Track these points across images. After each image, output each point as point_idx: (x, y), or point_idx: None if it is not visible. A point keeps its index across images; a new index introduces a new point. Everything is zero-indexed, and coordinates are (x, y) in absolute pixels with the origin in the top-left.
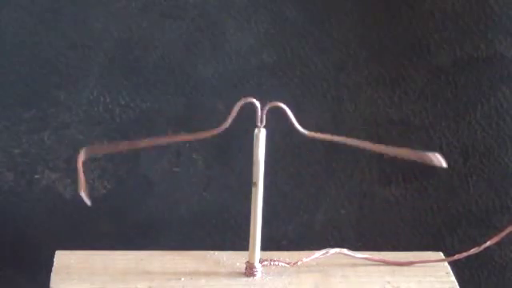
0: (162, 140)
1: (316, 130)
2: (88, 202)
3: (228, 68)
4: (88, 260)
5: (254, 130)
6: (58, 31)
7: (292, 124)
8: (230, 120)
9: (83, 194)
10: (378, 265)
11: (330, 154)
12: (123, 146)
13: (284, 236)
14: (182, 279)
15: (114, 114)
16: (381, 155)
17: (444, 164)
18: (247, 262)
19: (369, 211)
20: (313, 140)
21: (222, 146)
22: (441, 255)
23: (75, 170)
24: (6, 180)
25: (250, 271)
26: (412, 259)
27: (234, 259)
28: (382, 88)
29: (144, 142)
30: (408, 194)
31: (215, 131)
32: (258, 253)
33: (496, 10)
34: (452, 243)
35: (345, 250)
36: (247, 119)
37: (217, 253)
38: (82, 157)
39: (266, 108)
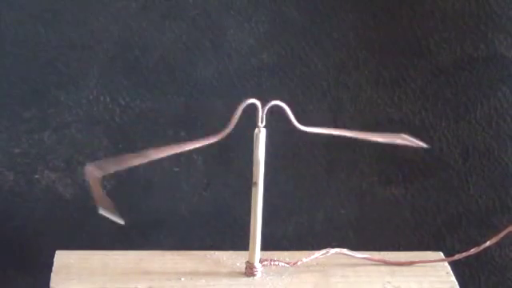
0: (169, 150)
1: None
2: (118, 219)
3: (228, 68)
4: (88, 260)
5: (254, 130)
6: (57, 31)
7: (290, 121)
8: (233, 123)
9: (106, 212)
10: (378, 265)
11: (330, 154)
12: (130, 159)
13: (284, 236)
14: (182, 279)
15: (114, 114)
16: (381, 155)
17: (419, 143)
18: (247, 261)
19: (369, 211)
20: (313, 140)
21: (221, 145)
22: (441, 255)
23: (75, 170)
24: (6, 180)
25: (250, 271)
26: (412, 259)
27: (234, 259)
28: (382, 88)
29: (151, 154)
30: (408, 194)
31: (219, 136)
32: (258, 253)
33: (496, 10)
34: (452, 243)
35: (345, 250)
36: (247, 119)
37: (217, 253)
38: (91, 173)
39: (266, 108)
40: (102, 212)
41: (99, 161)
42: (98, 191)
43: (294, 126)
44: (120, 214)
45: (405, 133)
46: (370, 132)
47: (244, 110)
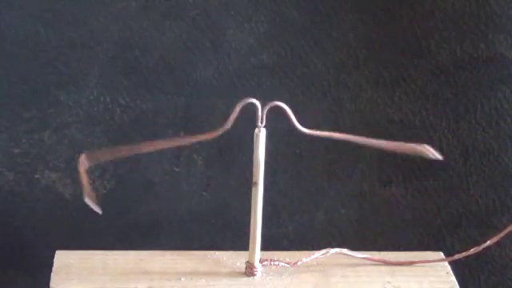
0: (164, 144)
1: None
2: (97, 209)
3: (228, 68)
4: (88, 260)
5: (253, 130)
6: (57, 31)
7: (292, 123)
8: (231, 122)
9: (89, 201)
10: (378, 265)
11: (330, 154)
12: (124, 150)
13: (284, 236)
14: (182, 279)
15: (114, 114)
16: (381, 155)
17: (438, 156)
18: (247, 261)
19: (369, 211)
20: (313, 140)
21: (221, 146)
22: (441, 255)
23: (75, 170)
24: (5, 180)
25: (250, 271)
26: (412, 259)
27: (234, 259)
28: (382, 88)
29: (145, 146)
30: (408, 194)
31: (216, 133)
32: (258, 253)
33: (496, 10)
34: (452, 243)
35: (345, 250)
36: (247, 119)
37: (217, 253)
38: (83, 163)
39: (266, 108)
40: (86, 200)
41: (93, 151)
42: (85, 179)
43: (296, 128)
44: (120, 213)
45: (405, 133)
46: (385, 140)
47: (244, 111)
